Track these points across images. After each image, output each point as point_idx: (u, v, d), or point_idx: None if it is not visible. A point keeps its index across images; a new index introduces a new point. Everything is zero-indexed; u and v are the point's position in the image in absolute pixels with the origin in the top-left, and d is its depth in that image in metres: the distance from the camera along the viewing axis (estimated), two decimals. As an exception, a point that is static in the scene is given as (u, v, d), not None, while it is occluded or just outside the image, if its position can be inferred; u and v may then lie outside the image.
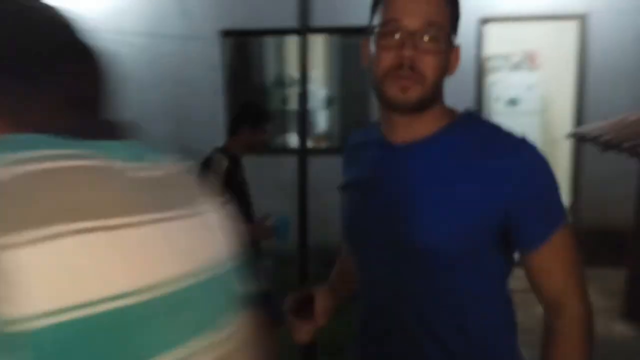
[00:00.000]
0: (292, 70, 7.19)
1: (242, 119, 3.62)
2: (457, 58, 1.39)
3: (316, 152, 6.40)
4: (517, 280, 1.47)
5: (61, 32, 0.96)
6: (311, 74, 7.46)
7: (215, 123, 6.17)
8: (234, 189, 3.47)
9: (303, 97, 3.13)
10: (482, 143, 1.31)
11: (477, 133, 1.34)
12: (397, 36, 1.27)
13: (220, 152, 3.55)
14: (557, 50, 7.25)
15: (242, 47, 6.42)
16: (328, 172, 6.03)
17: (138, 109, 6.09)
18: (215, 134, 6.17)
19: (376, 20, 1.33)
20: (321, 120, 7.10)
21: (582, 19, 5.61)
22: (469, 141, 1.32)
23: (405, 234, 1.34)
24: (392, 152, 1.40)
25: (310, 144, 6.64)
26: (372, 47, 1.33)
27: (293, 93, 7.26)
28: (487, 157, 1.28)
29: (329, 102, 6.68)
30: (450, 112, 1.40)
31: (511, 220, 1.30)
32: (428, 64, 1.27)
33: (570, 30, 5.91)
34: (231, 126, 3.67)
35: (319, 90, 7.30)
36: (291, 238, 3.65)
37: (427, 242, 1.32)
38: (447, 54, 1.32)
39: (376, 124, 1.51)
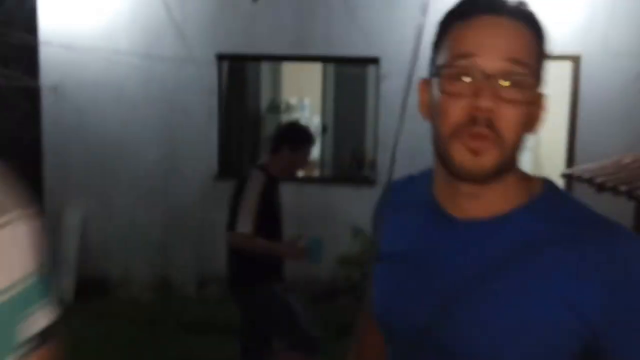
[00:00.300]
0: (287, 96, 7.19)
1: (283, 139, 3.55)
2: (543, 109, 1.07)
3: (308, 180, 6.38)
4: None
5: None
6: (306, 102, 7.50)
7: (208, 147, 6.13)
8: (267, 208, 3.41)
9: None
10: (567, 232, 0.99)
11: (561, 216, 1.02)
12: (469, 80, 0.97)
13: (259, 170, 3.47)
14: (550, 88, 7.28)
15: (238, 72, 6.40)
16: (318, 200, 6.03)
17: (129, 129, 6.07)
18: (207, 157, 6.13)
19: (441, 58, 1.02)
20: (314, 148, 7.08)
21: (576, 59, 5.64)
22: (550, 228, 1.00)
23: (456, 336, 1.04)
24: (450, 229, 1.08)
25: (301, 172, 6.65)
26: (436, 93, 1.02)
27: (287, 119, 7.26)
28: (573, 252, 0.96)
29: (323, 130, 6.66)
30: (526, 180, 1.09)
31: (599, 344, 0.95)
32: (509, 119, 0.96)
33: (563, 70, 5.94)
34: (272, 145, 3.58)
35: (312, 117, 7.29)
36: (322, 260, 3.58)
37: (478, 351, 1.01)
38: (533, 104, 1.01)
39: (424, 177, 1.19)
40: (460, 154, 0.98)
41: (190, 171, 6.12)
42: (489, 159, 0.98)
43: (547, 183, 1.09)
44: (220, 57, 6.06)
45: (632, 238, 1.00)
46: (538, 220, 1.02)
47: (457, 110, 0.98)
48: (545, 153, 7.88)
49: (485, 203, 1.05)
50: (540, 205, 1.04)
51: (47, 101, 6.08)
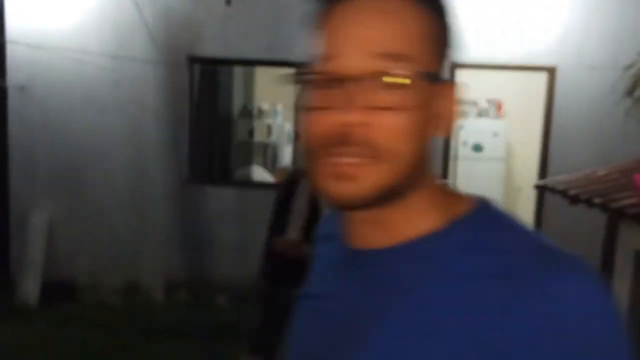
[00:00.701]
0: (260, 101, 7.11)
1: None
2: (451, 104, 0.81)
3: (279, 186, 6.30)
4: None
5: None
6: (278, 108, 7.42)
7: (178, 151, 6.01)
8: (311, 213, 3.41)
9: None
10: (499, 267, 0.73)
11: (488, 244, 0.76)
12: (333, 86, 0.73)
13: (306, 177, 3.44)
14: (525, 100, 7.31)
15: (210, 76, 6.30)
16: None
17: (98, 130, 5.94)
18: (177, 161, 6.01)
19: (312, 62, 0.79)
20: (286, 154, 7.00)
21: (551, 71, 5.64)
22: (478, 261, 0.74)
23: None
24: (351, 263, 0.86)
25: (272, 177, 6.58)
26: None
27: (259, 125, 7.17)
28: (508, 295, 0.70)
29: (295, 137, 6.59)
30: (450, 198, 0.83)
31: None
32: (391, 130, 0.73)
33: (538, 81, 5.94)
34: None
35: (285, 124, 7.22)
36: None
37: None
38: (428, 102, 0.75)
39: None
40: (324, 179, 0.76)
41: (160, 175, 6.00)
42: (367, 182, 0.74)
43: (481, 203, 0.82)
44: (192, 60, 5.95)
45: (585, 275, 0.71)
46: (455, 249, 0.77)
47: (313, 128, 0.75)
48: (517, 164, 7.91)
49: (389, 228, 0.81)
50: (462, 230, 0.78)
51: (13, 101, 5.92)
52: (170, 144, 6.00)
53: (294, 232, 3.38)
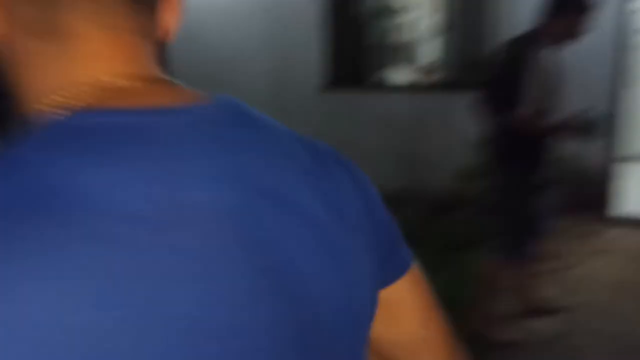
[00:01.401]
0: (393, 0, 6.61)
1: (563, 3, 3.11)
2: None
3: (422, 88, 5.97)
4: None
5: None
6: (415, 2, 6.87)
7: (312, 58, 5.81)
8: (521, 76, 3.03)
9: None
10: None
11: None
12: None
13: (535, 42, 3.12)
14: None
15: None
16: (436, 109, 5.58)
17: (236, 44, 5.84)
18: (312, 69, 5.83)
19: None
20: (429, 50, 6.49)
21: None
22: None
23: None
24: None
25: (415, 77, 6.20)
26: None
27: (393, 24, 6.71)
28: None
29: (441, 29, 6.07)
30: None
31: None
32: None
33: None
34: (548, 9, 3.14)
35: (427, 16, 6.65)
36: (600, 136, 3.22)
37: None
38: None
39: None
40: None
41: (295, 84, 5.87)
42: None
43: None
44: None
45: None
46: None
47: None
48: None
49: None
50: None
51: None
52: (304, 52, 5.80)
53: (528, 106, 2.97)
